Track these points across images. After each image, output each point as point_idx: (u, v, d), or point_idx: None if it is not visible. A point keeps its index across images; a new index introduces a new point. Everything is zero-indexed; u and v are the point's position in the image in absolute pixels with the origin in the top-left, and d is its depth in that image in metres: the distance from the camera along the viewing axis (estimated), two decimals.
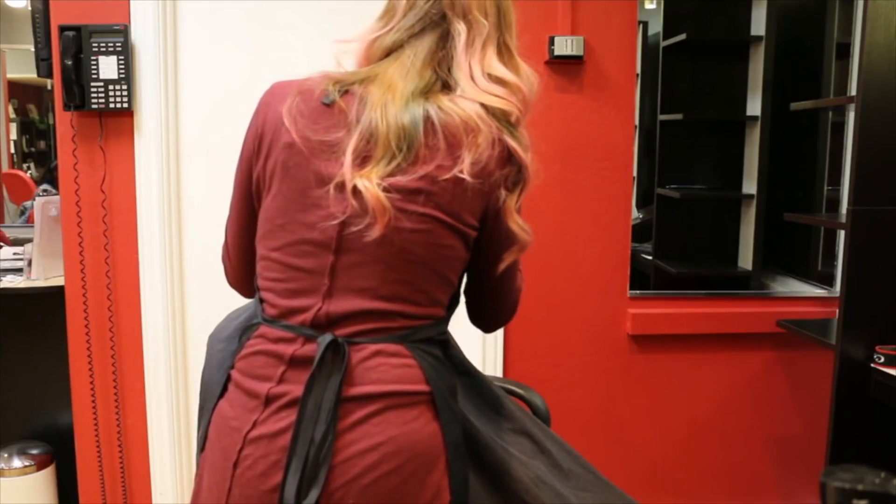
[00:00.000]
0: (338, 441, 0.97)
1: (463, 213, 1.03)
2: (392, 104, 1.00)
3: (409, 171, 0.99)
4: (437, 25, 1.06)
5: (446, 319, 1.11)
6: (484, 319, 1.25)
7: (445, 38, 1.06)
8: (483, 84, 1.04)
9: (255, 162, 1.08)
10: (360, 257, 1.01)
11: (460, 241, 1.05)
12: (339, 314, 1.01)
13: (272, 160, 1.04)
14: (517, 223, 1.07)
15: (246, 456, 1.00)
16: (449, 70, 1.05)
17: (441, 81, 1.05)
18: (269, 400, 1.01)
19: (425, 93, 1.02)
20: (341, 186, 0.99)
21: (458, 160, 0.99)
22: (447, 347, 1.12)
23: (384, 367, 1.01)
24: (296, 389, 1.00)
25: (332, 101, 1.02)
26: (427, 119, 1.00)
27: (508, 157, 1.04)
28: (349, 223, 0.99)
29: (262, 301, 1.08)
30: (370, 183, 0.97)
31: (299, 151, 1.02)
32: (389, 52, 1.08)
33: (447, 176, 0.99)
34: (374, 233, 0.98)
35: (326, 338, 1.00)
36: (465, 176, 0.99)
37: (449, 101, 1.02)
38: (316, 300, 1.02)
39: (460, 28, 1.05)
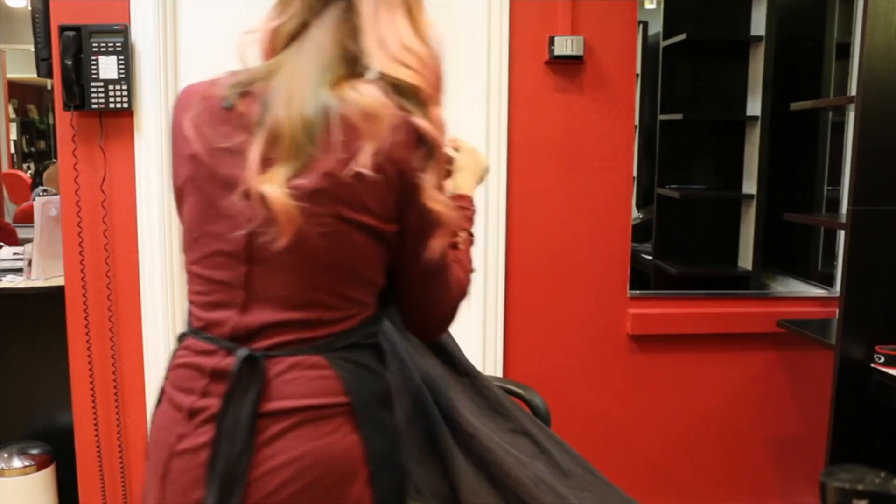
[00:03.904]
0: (255, 456, 0.96)
1: (372, 206, 0.97)
2: (295, 100, 0.96)
3: (312, 168, 0.95)
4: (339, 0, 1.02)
5: (376, 320, 1.06)
6: (416, 323, 1.12)
7: (349, 11, 1.01)
8: (394, 50, 0.98)
9: (173, 174, 1.06)
10: (271, 267, 0.98)
11: (373, 237, 0.99)
12: (255, 326, 0.99)
13: (182, 172, 1.03)
14: (438, 201, 1.00)
15: (173, 469, 1.00)
16: (357, 42, 1.00)
17: (350, 58, 1.00)
18: (191, 414, 1.00)
19: (330, 82, 0.98)
20: (248, 194, 0.95)
21: (357, 152, 0.94)
22: (380, 350, 1.07)
23: (301, 381, 0.98)
24: (216, 404, 0.98)
25: (231, 106, 1.00)
26: (328, 112, 0.95)
27: (419, 139, 0.98)
28: (258, 232, 0.96)
29: (189, 312, 1.06)
30: (274, 188, 0.93)
31: (204, 161, 0.99)
32: (294, 37, 1.03)
33: (347, 171, 0.94)
34: (281, 241, 0.95)
35: (243, 352, 0.98)
36: (365, 170, 0.94)
37: (351, 90, 0.97)
38: (233, 313, 1.00)
39: None
